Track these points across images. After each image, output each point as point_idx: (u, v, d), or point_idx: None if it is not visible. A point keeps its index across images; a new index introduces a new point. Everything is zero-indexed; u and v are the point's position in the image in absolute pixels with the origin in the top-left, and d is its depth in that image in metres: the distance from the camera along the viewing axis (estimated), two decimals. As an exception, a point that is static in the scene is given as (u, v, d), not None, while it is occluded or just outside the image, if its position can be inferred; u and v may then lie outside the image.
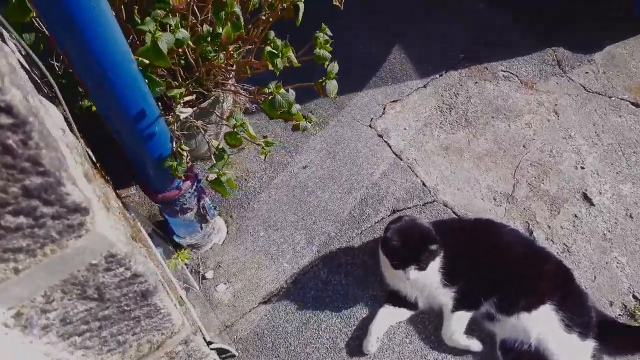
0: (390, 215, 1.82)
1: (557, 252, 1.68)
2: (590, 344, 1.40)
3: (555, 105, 2.14)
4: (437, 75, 2.29)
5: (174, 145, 1.32)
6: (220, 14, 1.34)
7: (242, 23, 1.39)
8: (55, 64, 1.53)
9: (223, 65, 1.58)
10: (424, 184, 1.90)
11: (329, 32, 1.45)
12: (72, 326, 0.74)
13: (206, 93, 1.63)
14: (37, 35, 1.35)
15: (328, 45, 1.44)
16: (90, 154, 1.28)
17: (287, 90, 1.38)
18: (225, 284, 1.69)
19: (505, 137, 2.04)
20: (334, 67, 1.43)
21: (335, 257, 1.73)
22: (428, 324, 1.56)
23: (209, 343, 1.25)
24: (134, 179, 1.89)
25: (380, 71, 2.31)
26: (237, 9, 1.36)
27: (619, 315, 1.55)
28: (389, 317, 1.55)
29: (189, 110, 1.37)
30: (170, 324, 0.92)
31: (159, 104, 1.51)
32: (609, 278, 1.63)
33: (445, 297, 1.49)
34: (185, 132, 1.57)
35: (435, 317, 1.56)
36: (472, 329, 1.51)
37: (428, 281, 1.49)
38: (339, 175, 1.95)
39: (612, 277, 1.63)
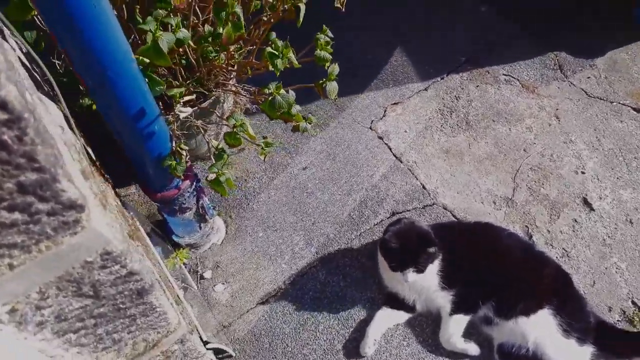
0: (389, 217, 1.82)
1: (557, 257, 1.68)
2: (588, 350, 1.39)
3: (557, 109, 2.14)
4: (439, 78, 2.29)
5: (174, 145, 1.32)
6: (221, 14, 1.34)
7: (243, 23, 1.40)
8: (57, 62, 1.54)
9: (224, 65, 1.58)
10: (423, 187, 1.90)
11: (330, 34, 1.45)
12: (67, 323, 0.75)
13: (207, 93, 1.63)
14: (38, 34, 1.35)
15: (329, 47, 1.44)
16: (90, 152, 1.28)
17: (287, 91, 1.39)
18: (224, 284, 1.69)
19: (505, 141, 2.04)
20: (335, 68, 1.44)
21: (334, 258, 1.73)
22: (426, 327, 1.56)
23: (205, 343, 1.25)
24: (133, 178, 1.89)
25: (382, 73, 2.32)
26: (238, 10, 1.36)
27: (618, 321, 1.55)
28: (387, 319, 1.55)
29: (189, 110, 1.37)
30: (166, 322, 0.92)
31: (160, 103, 1.51)
32: (608, 283, 1.62)
33: (443, 300, 1.49)
34: (185, 132, 1.57)
35: (433, 320, 1.56)
36: (469, 333, 1.50)
37: (426, 284, 1.48)
38: (338, 177, 1.95)
39: (611, 282, 1.63)
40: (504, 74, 2.29)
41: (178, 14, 1.35)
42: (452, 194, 1.88)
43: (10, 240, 0.58)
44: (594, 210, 1.80)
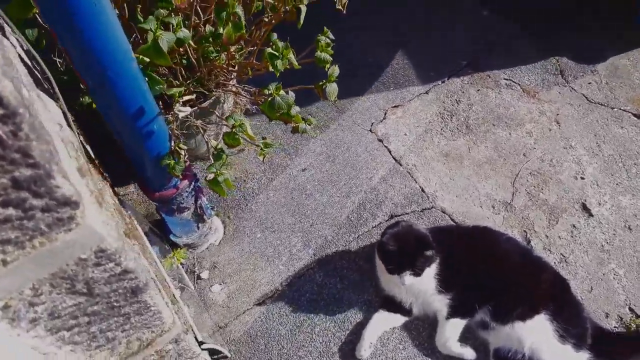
0: (387, 220, 1.82)
1: (554, 262, 1.67)
2: (584, 356, 1.39)
3: (557, 114, 2.14)
4: (440, 82, 2.29)
5: (172, 144, 1.32)
6: (221, 14, 1.35)
7: (244, 24, 1.40)
8: (58, 60, 1.54)
9: (224, 65, 1.58)
10: (422, 190, 1.90)
11: (331, 36, 1.45)
12: (60, 320, 0.74)
13: (207, 93, 1.63)
14: (39, 31, 1.36)
15: (329, 49, 1.44)
16: (89, 150, 1.28)
17: (287, 92, 1.39)
18: (220, 284, 1.68)
19: (505, 146, 2.04)
20: (335, 70, 1.44)
21: (332, 260, 1.72)
22: (422, 330, 1.55)
23: (200, 343, 1.25)
24: (132, 178, 1.89)
25: (383, 76, 2.32)
26: (239, 10, 1.36)
27: (615, 327, 1.54)
28: (383, 322, 1.54)
29: (188, 110, 1.37)
30: (160, 322, 0.92)
31: (160, 102, 1.51)
32: (605, 290, 1.62)
33: (440, 303, 1.48)
34: (185, 132, 1.58)
35: (430, 324, 1.55)
36: (466, 337, 1.50)
37: (423, 287, 1.48)
38: (337, 179, 1.95)
39: (609, 288, 1.62)
40: (505, 79, 2.29)
41: (180, 13, 1.36)
42: (451, 197, 1.88)
43: (4, 236, 0.58)
44: (592, 216, 1.80)
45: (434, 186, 1.91)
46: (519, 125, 2.11)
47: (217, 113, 1.67)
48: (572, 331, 1.38)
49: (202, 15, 1.46)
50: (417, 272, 1.42)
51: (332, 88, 1.43)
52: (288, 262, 1.73)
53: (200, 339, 1.25)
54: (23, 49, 1.12)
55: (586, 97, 2.19)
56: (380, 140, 2.07)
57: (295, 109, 1.42)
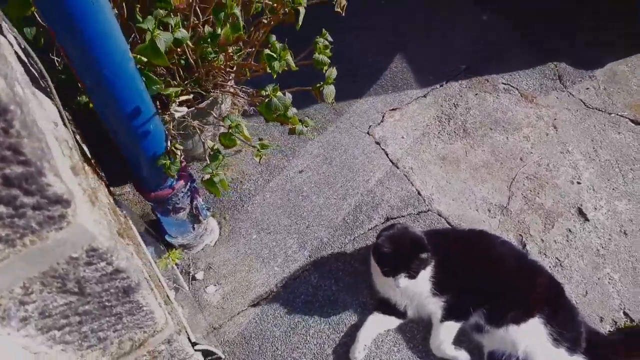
0: (383, 222, 1.82)
1: (550, 266, 1.67)
2: (578, 359, 1.39)
3: (555, 119, 2.14)
4: (438, 86, 2.29)
5: (169, 144, 1.32)
6: (219, 15, 1.35)
7: (242, 25, 1.40)
8: (56, 58, 1.54)
9: (222, 66, 1.59)
10: (419, 193, 1.90)
11: (330, 38, 1.46)
12: (51, 319, 0.74)
13: (205, 94, 1.63)
14: (38, 30, 1.36)
15: (328, 51, 1.44)
16: (85, 149, 1.28)
17: (284, 94, 1.39)
18: (215, 285, 1.68)
19: (502, 150, 2.04)
20: (333, 72, 1.44)
21: (327, 262, 1.72)
22: (417, 333, 1.55)
23: (194, 344, 1.25)
24: (129, 177, 1.89)
25: (381, 79, 2.32)
26: (237, 11, 1.37)
27: (609, 331, 1.54)
28: (378, 324, 1.54)
29: (184, 110, 1.37)
30: (152, 322, 0.92)
31: (157, 102, 1.51)
32: (600, 294, 1.62)
33: (435, 306, 1.48)
34: (182, 132, 1.58)
35: (424, 326, 1.55)
36: (460, 340, 1.50)
37: (418, 290, 1.48)
38: (334, 181, 1.95)
39: (604, 293, 1.62)
40: (503, 83, 2.30)
41: (179, 14, 1.36)
42: (447, 200, 1.88)
43: (-6, 234, 0.58)
44: (588, 220, 1.80)
45: (431, 189, 1.91)
46: (516, 130, 2.11)
47: (214, 114, 1.67)
48: (567, 335, 1.38)
49: (201, 16, 1.46)
50: (412, 275, 1.42)
51: (330, 90, 1.44)
52: (283, 264, 1.72)
53: (193, 340, 1.25)
54: (21, 47, 1.12)
55: (584, 103, 2.20)
56: (378, 143, 2.08)
57: (292, 111, 1.42)
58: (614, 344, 1.48)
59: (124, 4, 1.38)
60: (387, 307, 1.55)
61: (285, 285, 1.67)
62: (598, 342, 1.44)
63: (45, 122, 0.83)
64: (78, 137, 1.27)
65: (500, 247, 1.57)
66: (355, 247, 1.76)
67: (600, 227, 1.78)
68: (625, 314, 1.57)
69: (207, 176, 1.36)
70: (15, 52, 0.99)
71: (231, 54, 1.60)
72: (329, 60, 1.44)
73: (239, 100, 1.78)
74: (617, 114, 2.15)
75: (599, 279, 1.65)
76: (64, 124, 1.03)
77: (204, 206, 1.64)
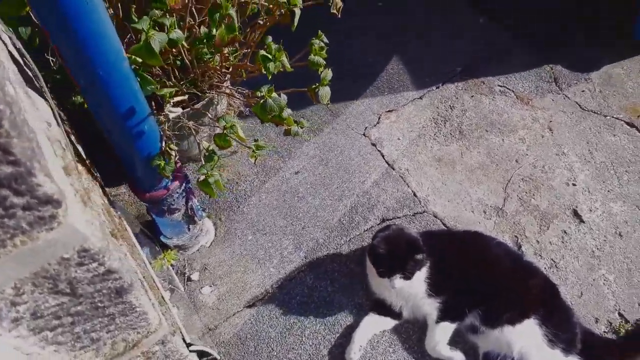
0: (379, 224, 1.82)
1: (545, 268, 1.68)
2: (573, 361, 1.39)
3: (550, 121, 2.15)
4: (434, 87, 2.30)
5: (164, 145, 1.32)
6: (215, 15, 1.35)
7: (237, 26, 1.40)
8: (51, 58, 1.54)
9: (218, 67, 1.59)
10: (414, 194, 1.90)
11: (325, 39, 1.46)
12: (43, 320, 0.74)
13: (200, 94, 1.63)
14: (33, 30, 1.35)
15: (324, 52, 1.45)
16: (80, 149, 1.28)
17: (279, 95, 1.39)
18: (211, 286, 1.68)
19: (498, 151, 2.05)
20: (328, 73, 1.44)
21: (323, 263, 1.72)
22: (412, 334, 1.55)
23: (188, 345, 1.24)
24: (124, 178, 1.89)
25: (378, 80, 2.33)
26: (233, 12, 1.37)
27: (604, 332, 1.54)
28: (374, 325, 1.54)
29: (179, 110, 1.37)
30: (146, 323, 0.91)
31: (152, 103, 1.51)
32: (595, 295, 1.62)
33: (430, 307, 1.48)
34: (177, 133, 1.57)
35: (420, 327, 1.55)
36: (455, 341, 1.50)
37: (413, 291, 1.48)
38: (330, 182, 1.95)
39: (599, 294, 1.63)
40: (499, 85, 2.30)
41: (174, 14, 1.36)
42: (442, 202, 1.88)
43: (-16, 234, 0.58)
44: (583, 222, 1.80)
45: (426, 191, 1.92)
46: (512, 132, 2.11)
47: (210, 115, 1.67)
48: (562, 336, 1.38)
49: (197, 17, 1.46)
50: (408, 276, 1.42)
51: (325, 91, 1.44)
52: (279, 265, 1.72)
53: (188, 341, 1.25)
54: (15, 47, 1.11)
55: (579, 105, 2.21)
56: (374, 145, 2.08)
57: (287, 112, 1.42)
58: (609, 344, 1.48)
59: (119, 5, 1.38)
60: (383, 308, 1.55)
61: (281, 286, 1.67)
62: (593, 343, 1.44)
63: (38, 122, 0.83)
64: (73, 137, 1.27)
65: (496, 248, 1.57)
66: (350, 248, 1.76)
67: (595, 229, 1.78)
68: (620, 315, 1.58)
69: (202, 177, 1.35)
70: (10, 52, 0.99)
71: (227, 54, 1.60)
72: (325, 62, 1.45)
73: (234, 101, 1.78)
74: (613, 117, 2.15)
75: (594, 280, 1.66)
76: (58, 124, 1.03)
77: (199, 207, 1.63)
